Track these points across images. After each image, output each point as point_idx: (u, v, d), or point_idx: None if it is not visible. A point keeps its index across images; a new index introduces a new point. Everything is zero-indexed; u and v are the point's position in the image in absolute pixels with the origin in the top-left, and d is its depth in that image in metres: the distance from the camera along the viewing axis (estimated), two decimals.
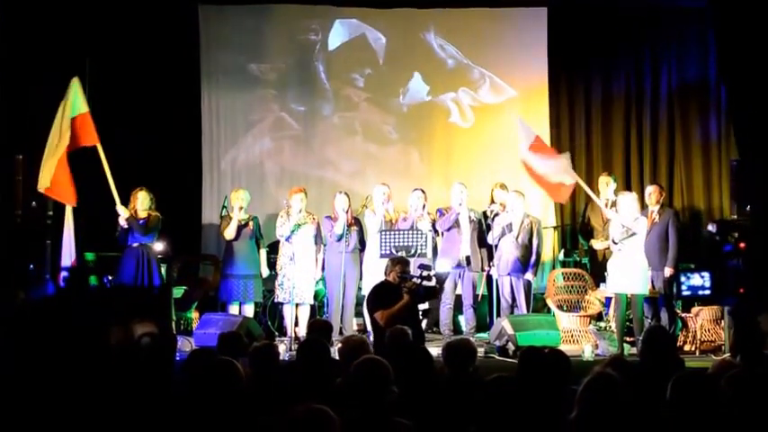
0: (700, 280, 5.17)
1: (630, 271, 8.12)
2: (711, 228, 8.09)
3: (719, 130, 10.52)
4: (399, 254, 8.34)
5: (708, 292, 4.83)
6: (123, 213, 8.39)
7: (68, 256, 8.32)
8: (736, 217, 8.32)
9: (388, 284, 7.03)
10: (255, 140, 10.77)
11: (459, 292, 8.97)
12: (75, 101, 8.32)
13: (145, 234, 8.46)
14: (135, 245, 8.47)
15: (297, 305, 8.80)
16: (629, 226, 8.08)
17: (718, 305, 8.13)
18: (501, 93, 10.79)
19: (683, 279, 4.94)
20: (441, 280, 7.15)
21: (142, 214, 8.51)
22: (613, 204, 9.33)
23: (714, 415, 3.51)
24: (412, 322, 6.67)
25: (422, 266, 7.24)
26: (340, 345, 5.25)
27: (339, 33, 10.81)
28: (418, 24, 10.81)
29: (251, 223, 8.94)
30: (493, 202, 9.20)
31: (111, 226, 8.55)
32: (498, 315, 8.67)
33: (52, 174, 8.12)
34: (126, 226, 8.41)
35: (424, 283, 6.99)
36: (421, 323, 7.04)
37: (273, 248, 9.26)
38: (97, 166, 8.37)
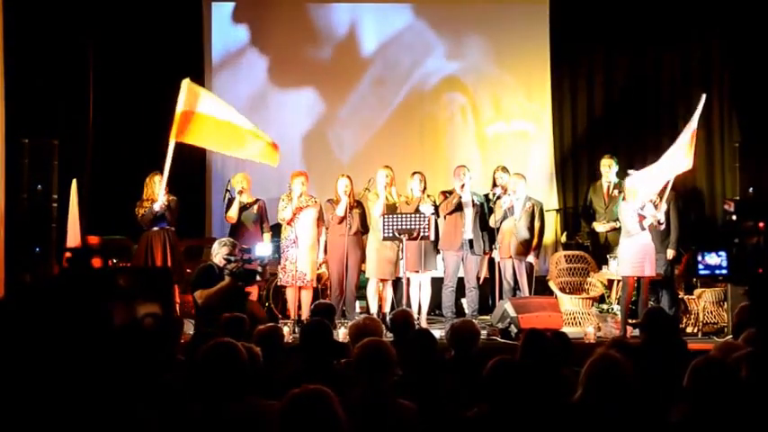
0: (717, 259, 5.14)
1: (644, 254, 8.13)
2: (728, 207, 8.09)
3: (722, 113, 10.51)
4: (402, 236, 8.39)
5: (725, 271, 4.82)
6: (164, 201, 8.36)
7: (73, 238, 8.34)
8: (738, 198, 8.35)
9: (213, 267, 7.06)
10: (259, 124, 10.75)
11: (461, 274, 9.00)
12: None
13: (171, 219, 8.50)
14: (156, 228, 8.49)
15: (300, 288, 8.83)
16: (655, 214, 8.10)
17: (736, 285, 8.10)
18: (503, 75, 10.78)
19: (699, 258, 4.94)
20: (263, 263, 7.23)
21: (162, 197, 8.50)
22: (615, 186, 9.37)
23: (732, 401, 3.52)
24: (237, 304, 6.71)
25: (242, 249, 7.27)
26: (351, 327, 5.28)
27: (343, 22, 10.82)
28: (422, 14, 10.83)
29: (255, 206, 8.96)
30: (495, 185, 9.21)
31: (118, 208, 8.59)
32: (500, 298, 8.71)
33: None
34: (161, 212, 8.40)
35: (247, 266, 7.00)
36: (246, 306, 7.10)
37: (277, 232, 9.28)
38: (113, 152, 8.41)
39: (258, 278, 7.18)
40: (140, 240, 8.58)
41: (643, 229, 8.11)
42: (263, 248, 7.36)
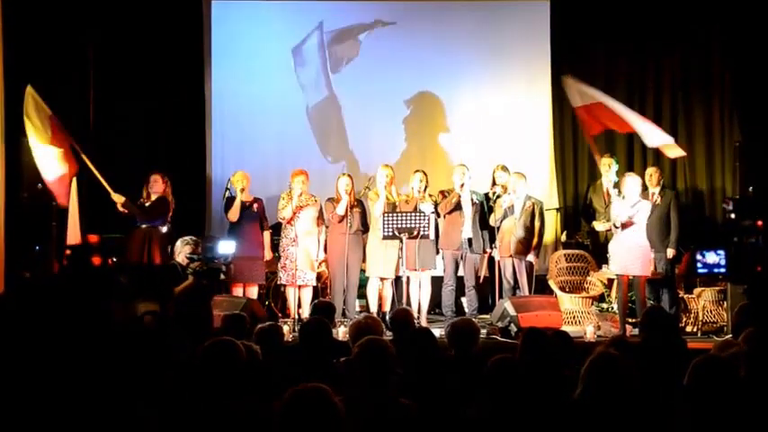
0: (715, 258, 5.14)
1: (631, 252, 8.15)
2: (726, 206, 8.09)
3: (722, 112, 10.51)
4: (402, 235, 8.39)
5: (723, 270, 4.81)
6: (118, 200, 8.56)
7: (73, 237, 8.37)
8: (737, 197, 8.36)
9: (177, 266, 7.04)
10: (260, 122, 10.76)
11: (460, 273, 9.00)
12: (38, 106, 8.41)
13: (147, 218, 8.56)
14: (143, 226, 8.62)
15: (299, 287, 8.83)
16: (631, 215, 8.09)
17: (735, 284, 8.11)
18: (504, 75, 10.78)
19: (698, 257, 4.93)
20: (227, 261, 7.18)
21: (154, 197, 8.64)
22: (616, 186, 9.36)
23: (733, 400, 3.53)
24: (202, 303, 6.73)
25: (204, 248, 7.25)
26: (351, 326, 5.28)
27: (345, 19, 10.82)
28: (423, 13, 10.84)
29: (255, 205, 8.97)
30: (495, 183, 9.21)
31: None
32: (500, 297, 8.71)
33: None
34: (125, 211, 8.56)
35: (210, 264, 6.99)
36: (211, 303, 7.08)
37: (277, 231, 9.28)
38: (112, 152, 8.48)
39: (222, 276, 7.13)
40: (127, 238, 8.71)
41: (617, 227, 8.14)
42: (225, 246, 7.30)
